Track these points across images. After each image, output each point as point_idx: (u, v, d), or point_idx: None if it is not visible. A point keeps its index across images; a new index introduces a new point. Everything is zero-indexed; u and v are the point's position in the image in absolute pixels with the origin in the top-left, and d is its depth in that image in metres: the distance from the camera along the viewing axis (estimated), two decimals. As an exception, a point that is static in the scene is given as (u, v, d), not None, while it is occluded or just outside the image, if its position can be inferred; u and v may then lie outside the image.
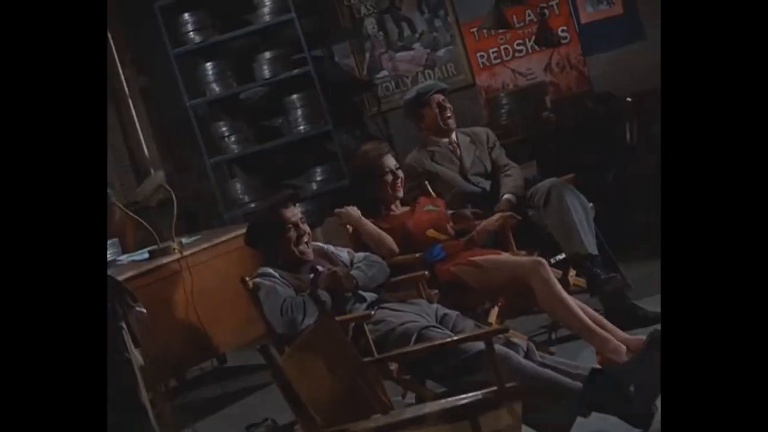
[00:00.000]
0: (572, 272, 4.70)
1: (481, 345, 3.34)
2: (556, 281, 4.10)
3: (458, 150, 5.08)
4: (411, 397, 3.88)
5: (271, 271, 3.83)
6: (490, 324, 4.28)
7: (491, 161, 5.10)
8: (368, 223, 4.45)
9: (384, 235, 4.41)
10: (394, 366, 3.65)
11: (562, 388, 3.24)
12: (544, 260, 4.18)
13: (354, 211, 4.48)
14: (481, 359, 3.30)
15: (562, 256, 4.68)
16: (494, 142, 5.19)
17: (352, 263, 4.06)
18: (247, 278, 3.82)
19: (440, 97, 5.08)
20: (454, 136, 5.11)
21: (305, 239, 3.94)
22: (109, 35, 7.02)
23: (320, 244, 4.17)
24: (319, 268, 3.94)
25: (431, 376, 3.57)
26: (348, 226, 4.51)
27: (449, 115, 5.08)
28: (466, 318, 3.78)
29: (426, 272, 4.16)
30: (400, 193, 4.59)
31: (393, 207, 4.59)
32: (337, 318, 3.46)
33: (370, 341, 3.52)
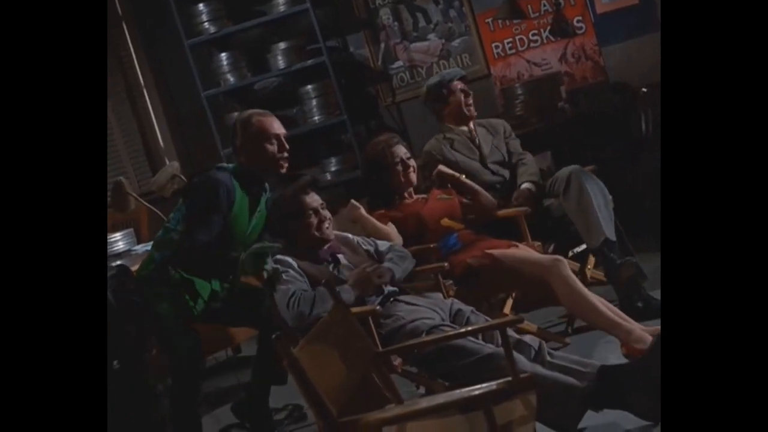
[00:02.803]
0: (589, 265, 4.68)
1: (490, 348, 3.35)
2: (575, 278, 4.09)
3: (477, 138, 5.08)
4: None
5: (289, 260, 3.79)
6: (506, 315, 4.28)
7: (507, 151, 5.09)
8: (369, 219, 4.40)
9: (384, 229, 4.35)
10: (397, 361, 3.63)
11: (568, 389, 3.23)
12: (563, 258, 4.17)
13: (354, 207, 4.44)
14: (491, 362, 3.29)
15: (579, 248, 4.66)
16: (510, 132, 5.20)
17: (377, 252, 4.04)
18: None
19: (461, 84, 5.10)
20: (472, 124, 5.11)
21: (326, 225, 3.93)
22: (124, 26, 7.04)
23: (343, 233, 4.12)
24: (340, 256, 3.93)
25: (441, 376, 3.55)
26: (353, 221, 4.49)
27: (471, 102, 5.10)
28: (479, 315, 3.75)
29: (446, 264, 4.14)
30: (414, 182, 4.58)
31: (406, 195, 4.59)
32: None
33: (375, 336, 3.51)
